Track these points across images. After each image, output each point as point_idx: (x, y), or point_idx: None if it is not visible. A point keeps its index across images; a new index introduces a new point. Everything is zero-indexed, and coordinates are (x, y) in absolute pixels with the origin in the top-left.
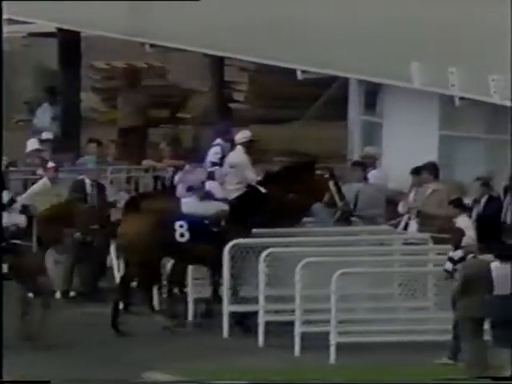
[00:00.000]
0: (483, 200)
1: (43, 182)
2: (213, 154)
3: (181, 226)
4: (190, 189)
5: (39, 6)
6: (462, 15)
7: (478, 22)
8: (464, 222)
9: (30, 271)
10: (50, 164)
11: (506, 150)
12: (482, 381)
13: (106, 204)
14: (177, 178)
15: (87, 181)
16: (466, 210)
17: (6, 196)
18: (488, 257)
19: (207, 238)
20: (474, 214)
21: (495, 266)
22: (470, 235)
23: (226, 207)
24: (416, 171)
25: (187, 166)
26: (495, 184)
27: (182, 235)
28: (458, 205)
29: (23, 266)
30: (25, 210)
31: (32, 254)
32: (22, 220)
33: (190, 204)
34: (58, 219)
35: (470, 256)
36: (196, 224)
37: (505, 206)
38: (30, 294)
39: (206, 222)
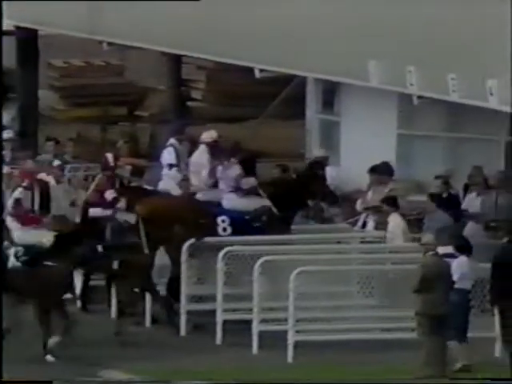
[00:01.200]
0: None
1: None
2: (167, 155)
3: (223, 221)
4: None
5: None
6: (421, 14)
7: (438, 21)
8: (396, 220)
9: (140, 268)
10: (56, 162)
11: (463, 148)
12: (482, 381)
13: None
14: (218, 173)
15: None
16: (398, 208)
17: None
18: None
19: (248, 233)
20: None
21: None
22: (398, 233)
23: (267, 203)
24: (373, 170)
25: (226, 162)
26: (454, 182)
27: (224, 229)
28: (391, 203)
29: (134, 263)
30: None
31: (142, 251)
32: (131, 218)
33: (231, 199)
34: (166, 217)
35: (429, 253)
36: (237, 219)
37: (466, 202)
38: (136, 290)
39: (247, 217)
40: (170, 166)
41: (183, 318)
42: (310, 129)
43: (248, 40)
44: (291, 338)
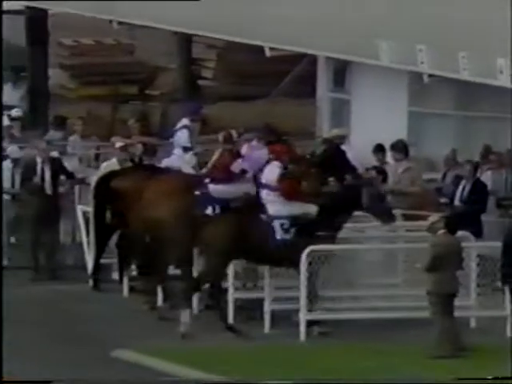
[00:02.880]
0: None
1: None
2: (182, 137)
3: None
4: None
5: None
6: None
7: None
8: None
9: None
10: (119, 144)
11: (474, 126)
12: (482, 381)
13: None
14: (246, 152)
15: (38, 159)
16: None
17: None
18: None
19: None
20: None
21: None
22: None
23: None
24: (378, 148)
25: (254, 142)
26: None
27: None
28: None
29: None
30: None
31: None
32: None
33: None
34: None
35: (440, 232)
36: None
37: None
38: None
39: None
40: (185, 148)
41: (231, 307)
42: (320, 107)
43: (258, 18)
44: (303, 317)
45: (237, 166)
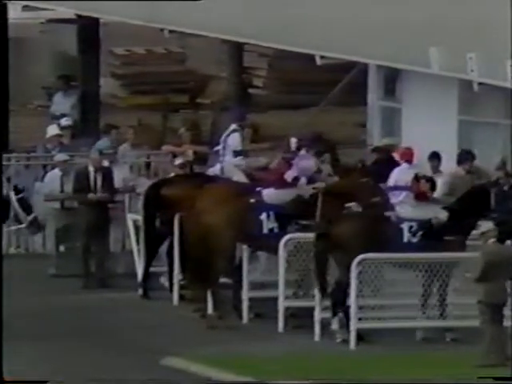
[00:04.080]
0: None
1: None
2: (234, 141)
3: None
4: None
5: None
6: (481, 1)
7: (497, 6)
8: None
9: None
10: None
11: None
12: (482, 381)
13: (111, 190)
14: (295, 161)
15: (90, 168)
16: None
17: None
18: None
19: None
20: None
21: None
22: None
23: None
24: (434, 156)
25: (303, 151)
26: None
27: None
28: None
29: None
30: None
31: None
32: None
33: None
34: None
35: (490, 241)
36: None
37: None
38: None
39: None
40: (236, 153)
41: (245, 305)
42: (371, 116)
43: (309, 27)
44: (353, 326)
45: (289, 175)
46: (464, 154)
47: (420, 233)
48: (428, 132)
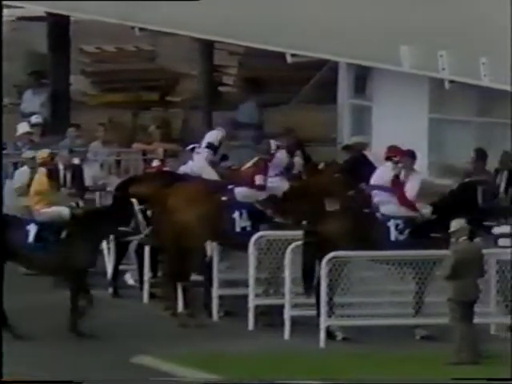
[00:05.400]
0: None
1: None
2: (212, 136)
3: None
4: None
5: None
6: None
7: (470, 5)
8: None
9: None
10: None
11: (495, 133)
12: (482, 381)
13: (81, 188)
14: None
15: (60, 166)
16: None
17: None
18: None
19: None
20: None
21: None
22: None
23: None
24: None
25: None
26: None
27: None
28: None
29: None
30: None
31: None
32: None
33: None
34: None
35: (461, 239)
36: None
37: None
38: None
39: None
40: (210, 145)
41: (215, 303)
42: (341, 114)
43: (279, 25)
44: (323, 323)
45: (260, 179)
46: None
47: (407, 230)
48: (399, 130)
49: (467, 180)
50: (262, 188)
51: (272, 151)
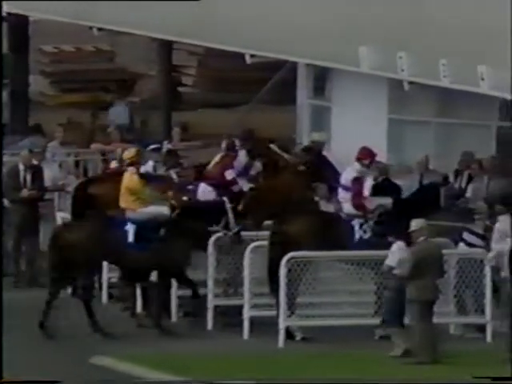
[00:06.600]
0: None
1: None
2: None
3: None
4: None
5: None
6: None
7: (428, 6)
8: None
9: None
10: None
11: (455, 134)
12: (482, 381)
13: (41, 188)
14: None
15: (21, 166)
16: None
17: None
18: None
19: None
20: None
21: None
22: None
23: (387, 201)
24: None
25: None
26: (445, 167)
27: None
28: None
29: None
30: None
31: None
32: None
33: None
34: None
35: (420, 239)
36: None
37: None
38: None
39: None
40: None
41: (174, 304)
42: (300, 114)
43: (238, 25)
44: (282, 324)
45: (230, 174)
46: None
47: (370, 230)
48: (358, 131)
49: (430, 182)
50: (233, 183)
51: (236, 148)
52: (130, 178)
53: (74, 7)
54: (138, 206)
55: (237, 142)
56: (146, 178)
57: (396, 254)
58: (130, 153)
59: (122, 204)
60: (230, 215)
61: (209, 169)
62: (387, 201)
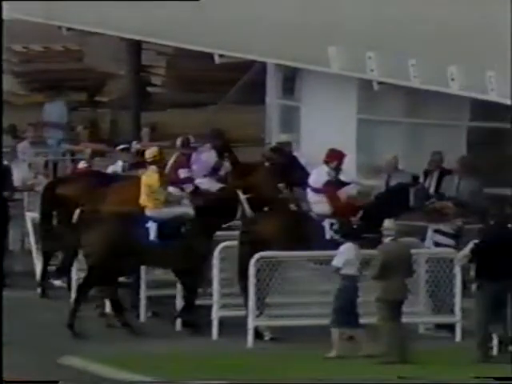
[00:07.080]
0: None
1: None
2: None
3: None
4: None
5: None
6: None
7: (397, 5)
8: None
9: None
10: None
11: (424, 134)
12: (482, 381)
13: (10, 188)
14: (193, 157)
15: None
16: None
17: None
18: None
19: None
20: None
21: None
22: None
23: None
24: None
25: (202, 147)
26: (414, 168)
27: None
28: None
29: None
30: None
31: None
32: None
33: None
34: None
35: (388, 239)
36: None
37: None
38: None
39: None
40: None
41: (143, 304)
42: (270, 114)
43: (208, 25)
44: (251, 323)
45: (183, 172)
46: None
47: (341, 230)
48: (327, 131)
49: (399, 183)
50: (188, 180)
51: (191, 145)
52: (151, 177)
53: (43, 6)
54: (157, 204)
55: (191, 139)
56: (166, 177)
57: (343, 254)
58: (152, 152)
59: (142, 202)
60: (246, 205)
61: (167, 170)
62: (366, 181)
